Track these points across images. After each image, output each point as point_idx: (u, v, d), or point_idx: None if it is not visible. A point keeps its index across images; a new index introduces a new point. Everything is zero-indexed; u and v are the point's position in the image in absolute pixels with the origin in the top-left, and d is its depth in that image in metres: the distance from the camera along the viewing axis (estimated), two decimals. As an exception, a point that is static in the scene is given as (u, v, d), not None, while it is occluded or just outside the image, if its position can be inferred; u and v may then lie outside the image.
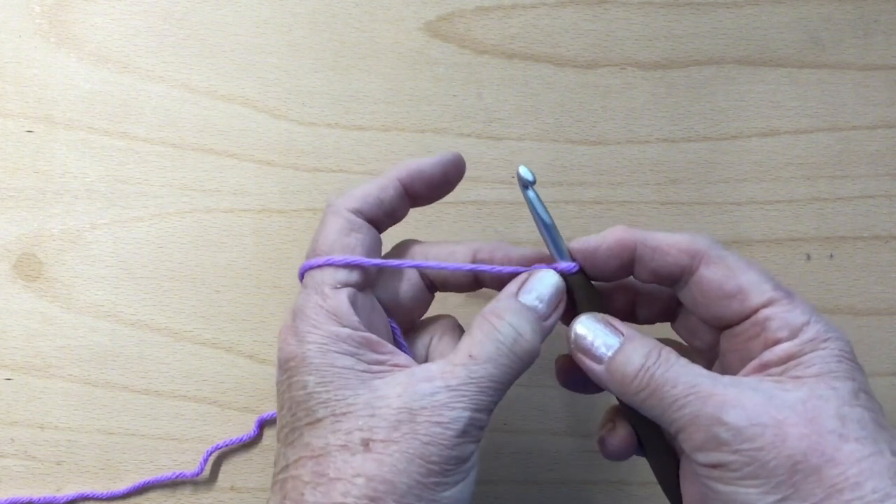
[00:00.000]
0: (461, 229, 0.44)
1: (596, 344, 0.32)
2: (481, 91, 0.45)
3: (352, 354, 0.31)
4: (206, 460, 0.43)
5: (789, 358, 0.30)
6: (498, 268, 0.34)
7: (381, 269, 0.34)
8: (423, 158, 0.34)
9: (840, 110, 0.45)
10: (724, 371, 0.33)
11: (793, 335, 0.30)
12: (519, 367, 0.32)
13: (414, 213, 0.44)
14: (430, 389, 0.30)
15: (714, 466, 0.29)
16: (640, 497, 0.44)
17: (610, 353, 0.32)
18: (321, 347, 0.31)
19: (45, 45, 0.45)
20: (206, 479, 0.43)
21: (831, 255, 0.44)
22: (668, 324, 0.36)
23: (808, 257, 0.45)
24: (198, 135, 0.45)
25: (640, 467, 0.44)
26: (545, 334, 0.33)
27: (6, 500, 0.42)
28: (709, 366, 0.34)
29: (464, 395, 0.30)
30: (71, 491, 0.43)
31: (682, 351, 0.33)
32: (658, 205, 0.45)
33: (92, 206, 0.44)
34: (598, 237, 0.33)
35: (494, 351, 0.31)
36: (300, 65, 0.45)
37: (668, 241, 0.32)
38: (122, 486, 0.43)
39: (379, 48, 0.45)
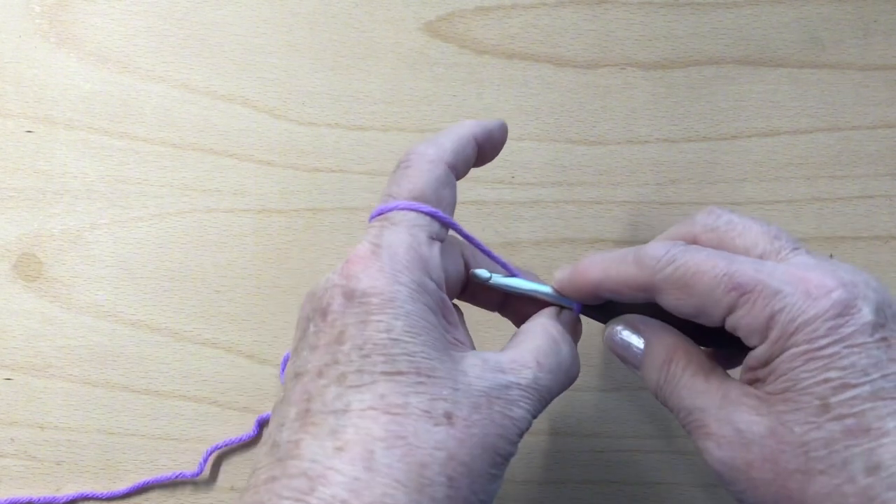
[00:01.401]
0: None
1: (630, 352, 0.33)
2: (481, 91, 0.45)
3: (435, 313, 0.29)
4: (206, 460, 0.43)
5: (766, 362, 0.29)
6: (528, 277, 0.35)
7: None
8: (486, 121, 0.33)
9: (840, 110, 0.45)
10: None
11: (762, 338, 0.29)
12: (563, 390, 0.32)
13: (414, 213, 0.44)
14: (504, 381, 0.29)
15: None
16: (640, 497, 0.44)
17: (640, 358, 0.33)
18: (412, 293, 0.28)
19: (45, 45, 0.45)
20: (206, 480, 0.43)
21: (831, 255, 0.44)
22: None
23: (808, 257, 0.45)
24: (198, 135, 0.45)
25: (641, 467, 0.44)
26: None
27: (6, 500, 0.42)
28: None
29: (529, 398, 0.29)
30: (71, 491, 0.43)
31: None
32: (658, 205, 0.45)
33: (92, 206, 0.44)
34: (574, 290, 0.33)
35: (556, 367, 0.31)
36: (300, 65, 0.45)
37: (622, 282, 0.32)
38: (122, 486, 0.43)
39: (379, 48, 0.45)
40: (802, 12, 0.45)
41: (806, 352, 0.27)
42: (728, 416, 0.29)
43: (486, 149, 0.33)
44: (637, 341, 0.33)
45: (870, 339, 0.27)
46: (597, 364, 0.44)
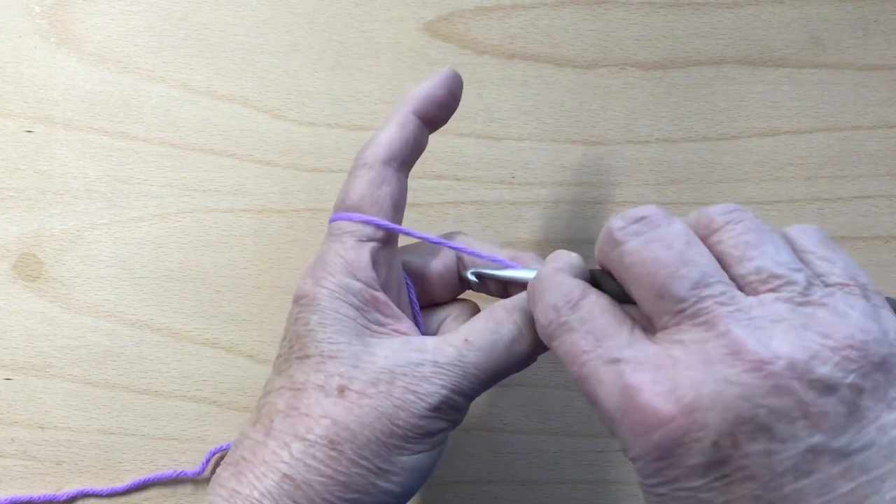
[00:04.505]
0: (461, 229, 0.44)
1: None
2: (481, 91, 0.45)
3: (357, 308, 0.32)
4: (208, 461, 0.43)
5: None
6: (517, 266, 0.34)
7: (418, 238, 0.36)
8: (425, 84, 0.35)
9: (840, 110, 0.45)
10: None
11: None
12: (511, 365, 0.32)
13: (414, 215, 0.44)
14: (417, 359, 0.31)
15: None
16: (639, 497, 0.44)
17: None
18: (331, 294, 0.32)
19: (45, 45, 0.45)
20: (206, 479, 0.43)
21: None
22: None
23: (808, 257, 0.45)
24: (198, 135, 0.45)
25: (640, 467, 0.44)
26: (544, 348, 0.32)
27: (6, 500, 0.43)
28: None
29: (446, 375, 0.31)
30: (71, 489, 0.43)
31: None
32: (658, 205, 0.45)
33: (92, 206, 0.44)
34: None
35: (490, 343, 0.32)
36: (300, 65, 0.45)
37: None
38: (122, 485, 0.43)
39: (379, 48, 0.45)
40: (802, 12, 0.45)
41: (641, 483, 0.26)
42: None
43: (431, 112, 0.34)
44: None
45: (700, 482, 0.24)
46: (597, 364, 0.44)
